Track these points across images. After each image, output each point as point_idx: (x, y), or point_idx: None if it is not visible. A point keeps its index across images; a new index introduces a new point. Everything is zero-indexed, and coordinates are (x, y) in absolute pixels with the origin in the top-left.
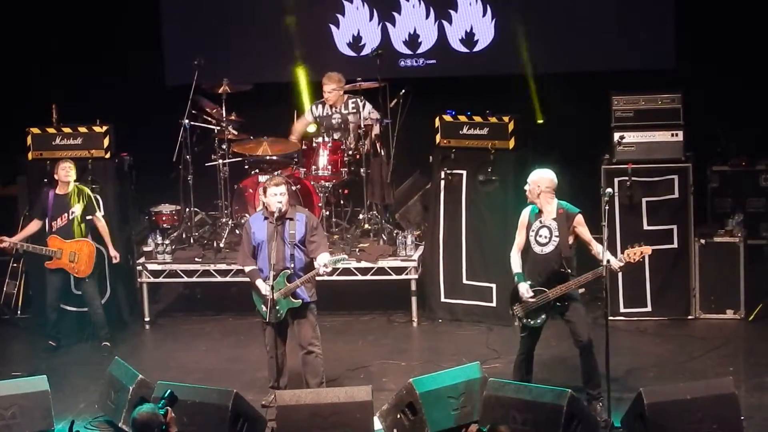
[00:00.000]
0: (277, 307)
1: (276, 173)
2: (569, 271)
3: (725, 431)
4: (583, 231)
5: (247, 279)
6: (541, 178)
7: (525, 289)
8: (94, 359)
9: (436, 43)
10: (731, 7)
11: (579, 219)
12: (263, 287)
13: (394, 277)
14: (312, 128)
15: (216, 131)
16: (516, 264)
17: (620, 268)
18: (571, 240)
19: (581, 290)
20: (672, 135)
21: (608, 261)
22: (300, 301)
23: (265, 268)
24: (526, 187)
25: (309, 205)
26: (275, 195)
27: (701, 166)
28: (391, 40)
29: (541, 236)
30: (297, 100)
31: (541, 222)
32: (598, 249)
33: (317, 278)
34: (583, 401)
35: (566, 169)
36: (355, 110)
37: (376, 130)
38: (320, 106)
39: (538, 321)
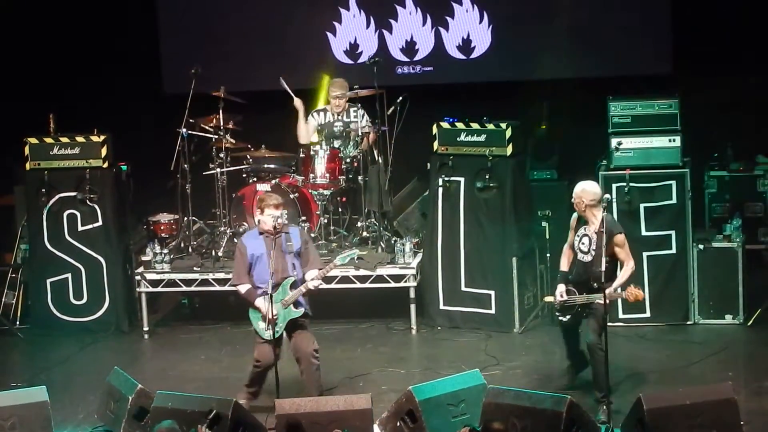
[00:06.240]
0: (276, 320)
1: (275, 180)
2: (596, 285)
3: None
4: (619, 251)
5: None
6: (585, 192)
7: (559, 293)
8: (93, 369)
9: (433, 50)
10: (728, 11)
11: (618, 239)
12: (263, 305)
13: (392, 284)
14: (315, 137)
15: (214, 140)
16: (562, 262)
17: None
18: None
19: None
20: (669, 140)
21: (617, 288)
22: (302, 310)
23: (264, 281)
24: (573, 200)
25: (307, 212)
26: (272, 217)
27: (699, 172)
28: (388, 48)
29: (583, 243)
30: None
31: (585, 230)
32: (622, 274)
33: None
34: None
35: (564, 175)
36: (356, 118)
37: (372, 137)
38: (321, 113)
39: (563, 319)
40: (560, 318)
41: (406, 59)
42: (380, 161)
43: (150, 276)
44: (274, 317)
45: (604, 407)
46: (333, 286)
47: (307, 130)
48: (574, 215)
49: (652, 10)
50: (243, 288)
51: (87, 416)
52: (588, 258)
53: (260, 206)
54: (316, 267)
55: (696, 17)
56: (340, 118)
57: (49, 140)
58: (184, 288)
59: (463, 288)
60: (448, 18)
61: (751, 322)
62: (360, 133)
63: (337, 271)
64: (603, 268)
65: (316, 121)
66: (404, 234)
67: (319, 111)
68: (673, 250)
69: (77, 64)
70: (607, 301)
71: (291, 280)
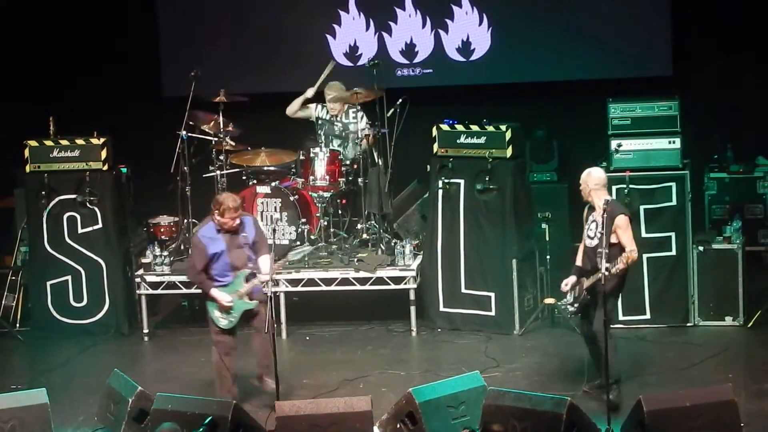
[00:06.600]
0: (232, 311)
1: (274, 182)
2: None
3: None
4: (620, 234)
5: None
6: (589, 176)
7: (564, 283)
8: (93, 371)
9: (433, 53)
10: (728, 13)
11: (619, 221)
12: (221, 295)
13: (392, 286)
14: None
15: (213, 142)
16: (577, 257)
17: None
18: (614, 239)
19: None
20: (669, 142)
21: (606, 269)
22: (255, 302)
23: (223, 276)
24: (580, 187)
25: (307, 215)
26: (233, 218)
27: (699, 173)
28: (388, 50)
29: (591, 230)
30: None
31: (593, 217)
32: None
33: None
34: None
35: (564, 177)
36: (355, 120)
37: (371, 139)
38: (323, 109)
39: (573, 309)
40: (572, 311)
41: (406, 61)
42: (380, 163)
43: (150, 278)
44: (230, 308)
45: (616, 388)
46: (333, 288)
47: (295, 109)
48: (586, 208)
49: (651, 12)
50: (199, 282)
51: (87, 418)
52: (595, 242)
53: (219, 209)
54: (265, 252)
55: (696, 18)
56: (339, 119)
57: (49, 143)
58: (184, 290)
59: (463, 290)
60: (447, 20)
61: (751, 323)
62: (360, 135)
63: (337, 273)
64: (606, 250)
65: (314, 112)
66: (404, 236)
67: (323, 105)
68: (673, 252)
69: (77, 64)
70: (607, 273)
71: (246, 273)
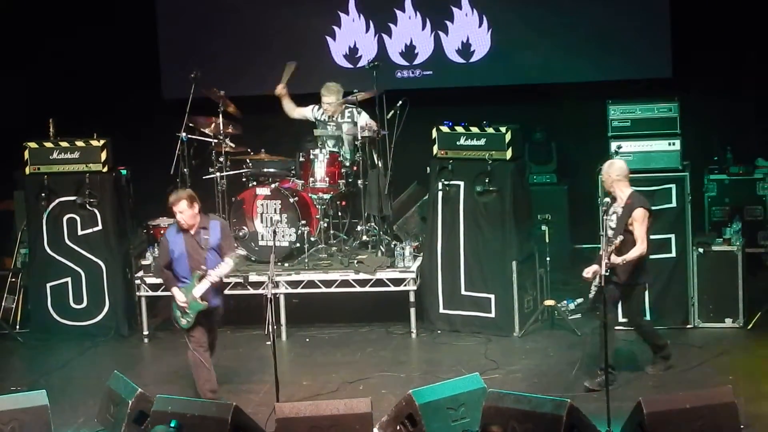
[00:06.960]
0: (188, 311)
1: (274, 184)
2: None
3: None
4: (636, 227)
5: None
6: (611, 167)
7: (585, 270)
8: (93, 373)
9: (433, 54)
10: (728, 14)
11: (636, 214)
12: (178, 295)
13: (392, 288)
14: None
15: (213, 144)
16: (602, 247)
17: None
18: (631, 230)
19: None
20: (669, 144)
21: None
22: (206, 303)
23: (182, 277)
24: (601, 178)
25: (307, 216)
26: (177, 213)
27: (699, 175)
28: (388, 52)
29: (611, 221)
30: None
31: (614, 208)
32: (631, 252)
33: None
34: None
35: (563, 179)
36: (350, 120)
37: (373, 131)
38: (320, 110)
39: (590, 294)
40: (590, 298)
41: (406, 63)
42: (380, 165)
43: (150, 280)
44: (186, 308)
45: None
46: (333, 290)
47: (292, 109)
48: (608, 199)
49: (651, 14)
50: (163, 278)
51: (87, 420)
52: (613, 232)
53: (171, 208)
54: (229, 258)
55: (696, 20)
56: (334, 119)
57: (48, 144)
58: None
59: (462, 292)
60: (447, 22)
61: (751, 325)
62: (359, 137)
63: (337, 275)
64: (616, 240)
65: (311, 114)
66: (404, 238)
67: (319, 107)
68: (673, 254)
69: (77, 65)
70: (608, 263)
71: (198, 274)
